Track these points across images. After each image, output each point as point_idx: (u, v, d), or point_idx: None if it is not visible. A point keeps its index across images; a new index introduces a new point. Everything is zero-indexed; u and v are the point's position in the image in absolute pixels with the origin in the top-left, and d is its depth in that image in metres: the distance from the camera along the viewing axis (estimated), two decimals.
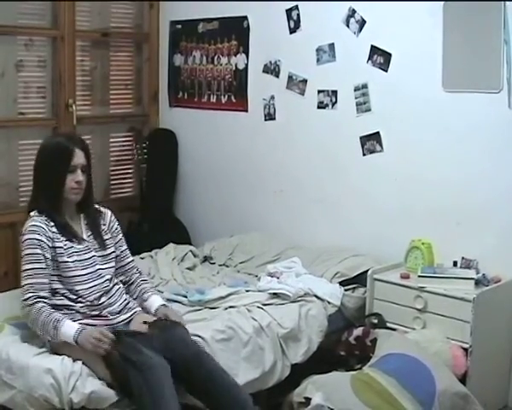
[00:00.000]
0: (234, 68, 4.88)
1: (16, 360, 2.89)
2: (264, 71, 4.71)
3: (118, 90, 5.29)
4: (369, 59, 4.16)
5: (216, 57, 4.98)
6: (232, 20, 4.84)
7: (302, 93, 4.51)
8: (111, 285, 3.15)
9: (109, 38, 5.15)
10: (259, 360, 3.34)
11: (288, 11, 4.51)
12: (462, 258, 3.82)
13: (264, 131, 4.75)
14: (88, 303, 3.04)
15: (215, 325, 3.31)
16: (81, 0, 4.84)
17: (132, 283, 3.32)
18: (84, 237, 3.16)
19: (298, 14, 4.46)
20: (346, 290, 3.93)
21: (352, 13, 4.20)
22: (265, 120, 4.74)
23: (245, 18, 4.76)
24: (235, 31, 4.83)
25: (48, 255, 2.99)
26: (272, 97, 4.67)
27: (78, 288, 3.04)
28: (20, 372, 2.85)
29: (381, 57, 4.11)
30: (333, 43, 4.32)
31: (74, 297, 3.03)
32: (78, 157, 3.07)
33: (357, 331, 3.65)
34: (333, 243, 4.36)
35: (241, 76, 4.84)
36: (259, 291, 3.78)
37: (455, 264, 3.81)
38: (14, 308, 3.31)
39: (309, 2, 4.39)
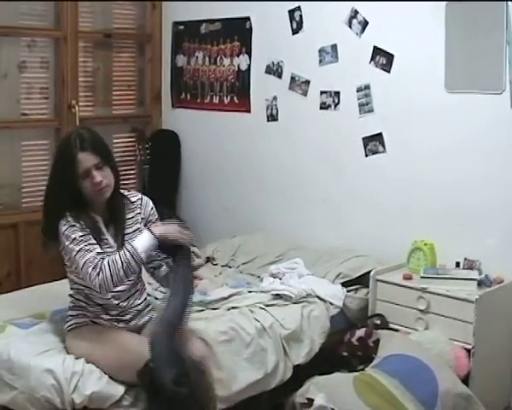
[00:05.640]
0: (236, 69, 4.88)
1: (17, 361, 2.87)
2: (266, 72, 4.70)
3: (120, 91, 5.29)
4: (371, 60, 4.16)
5: (218, 58, 4.98)
6: (235, 21, 4.84)
7: (305, 94, 4.51)
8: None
9: (112, 38, 5.15)
10: (262, 361, 3.33)
11: (291, 12, 4.50)
12: (465, 259, 3.82)
13: (267, 132, 4.75)
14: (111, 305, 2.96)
15: (217, 326, 3.30)
16: (84, 0, 4.85)
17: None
18: (108, 235, 2.96)
19: (300, 15, 4.46)
20: (348, 291, 3.93)
21: (355, 14, 4.19)
22: (268, 120, 4.73)
23: (247, 19, 4.76)
24: (238, 32, 4.83)
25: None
26: (275, 98, 4.67)
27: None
28: (21, 373, 2.84)
29: (383, 58, 4.11)
30: (335, 44, 4.32)
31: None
32: (85, 161, 2.83)
33: (360, 332, 3.65)
34: (335, 243, 4.36)
35: (243, 77, 4.84)
36: (262, 292, 3.78)
37: (457, 265, 3.81)
38: (17, 309, 3.31)
39: (311, 3, 4.39)
